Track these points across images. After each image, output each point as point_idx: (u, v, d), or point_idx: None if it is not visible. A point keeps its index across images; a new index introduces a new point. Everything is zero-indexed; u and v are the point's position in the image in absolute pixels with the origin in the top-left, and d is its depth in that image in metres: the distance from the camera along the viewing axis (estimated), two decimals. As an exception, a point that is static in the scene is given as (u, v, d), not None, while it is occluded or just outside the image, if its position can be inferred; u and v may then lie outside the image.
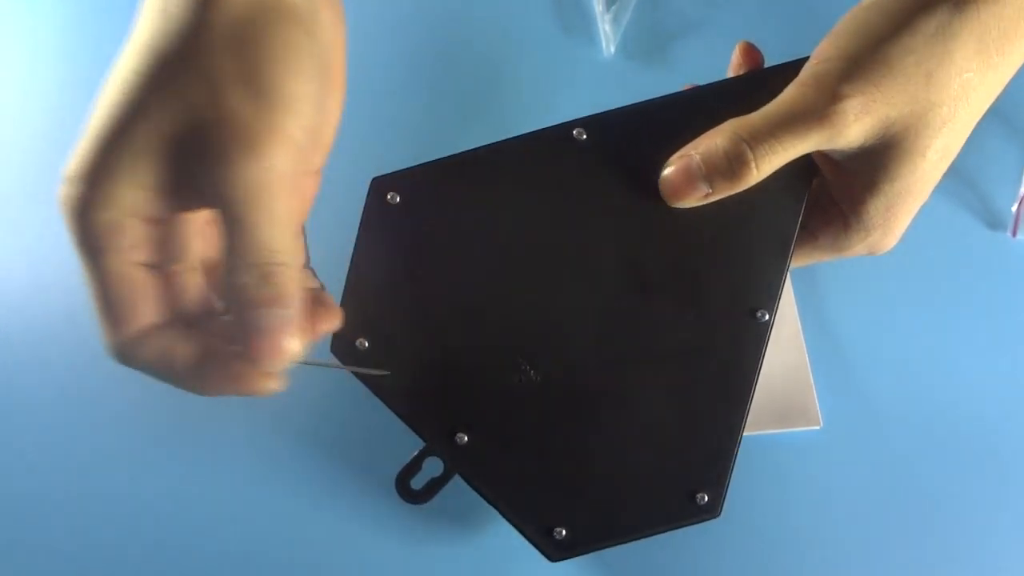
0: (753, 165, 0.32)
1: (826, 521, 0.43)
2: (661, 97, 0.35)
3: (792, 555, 0.43)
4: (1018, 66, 0.32)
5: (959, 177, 0.49)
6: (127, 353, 0.28)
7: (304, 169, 0.28)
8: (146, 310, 0.28)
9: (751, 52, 0.37)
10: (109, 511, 0.43)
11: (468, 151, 0.35)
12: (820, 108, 0.30)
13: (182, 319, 0.29)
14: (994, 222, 0.49)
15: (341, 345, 0.35)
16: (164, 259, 0.28)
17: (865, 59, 0.30)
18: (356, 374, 0.35)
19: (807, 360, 0.45)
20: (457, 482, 0.36)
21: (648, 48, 0.53)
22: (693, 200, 0.33)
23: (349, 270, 0.35)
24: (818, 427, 0.44)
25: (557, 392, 0.35)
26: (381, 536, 0.43)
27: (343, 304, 0.35)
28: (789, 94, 0.32)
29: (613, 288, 0.35)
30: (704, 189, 0.33)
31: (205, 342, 0.29)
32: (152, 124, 0.26)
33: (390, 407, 0.35)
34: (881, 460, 0.44)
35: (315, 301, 0.32)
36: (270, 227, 0.26)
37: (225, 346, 0.28)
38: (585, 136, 0.35)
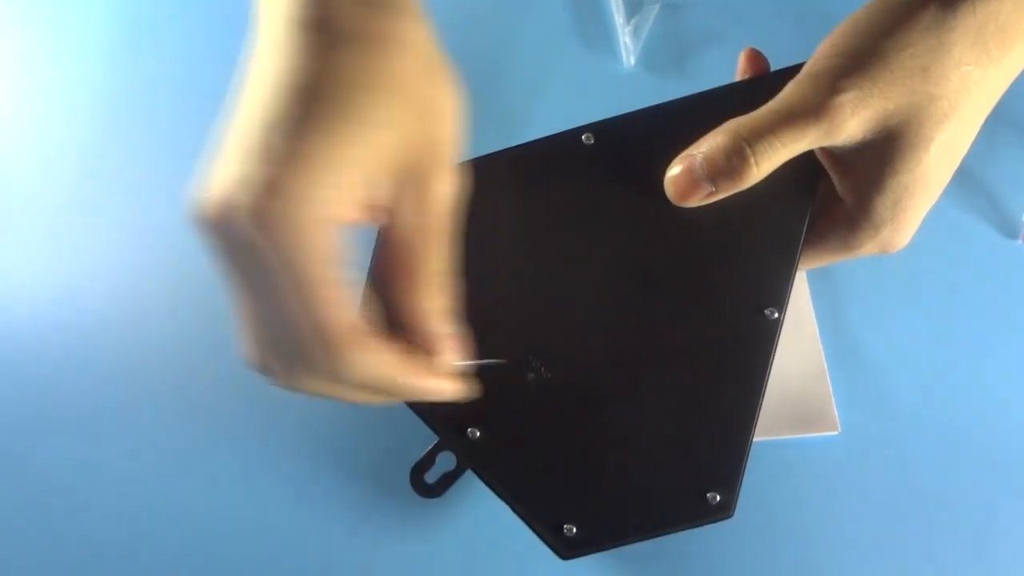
0: (753, 162, 0.32)
1: (844, 527, 0.43)
2: (667, 102, 0.36)
3: (809, 560, 0.42)
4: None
5: (972, 185, 0.49)
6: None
7: None
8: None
9: (757, 59, 0.37)
10: (125, 511, 0.44)
11: (478, 157, 0.36)
12: (817, 103, 0.31)
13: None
14: (1008, 230, 0.48)
15: None
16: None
17: (861, 55, 0.31)
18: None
19: (825, 366, 0.45)
20: (471, 477, 0.36)
21: (668, 60, 0.53)
22: (697, 200, 0.34)
23: (368, 272, 0.36)
24: (836, 432, 0.44)
25: (568, 390, 0.35)
26: (396, 529, 0.43)
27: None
28: (787, 92, 0.32)
29: (622, 287, 0.36)
30: (707, 188, 0.33)
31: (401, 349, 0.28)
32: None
33: (405, 402, 0.36)
34: (899, 466, 0.44)
35: None
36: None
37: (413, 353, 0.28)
38: (593, 140, 0.36)
